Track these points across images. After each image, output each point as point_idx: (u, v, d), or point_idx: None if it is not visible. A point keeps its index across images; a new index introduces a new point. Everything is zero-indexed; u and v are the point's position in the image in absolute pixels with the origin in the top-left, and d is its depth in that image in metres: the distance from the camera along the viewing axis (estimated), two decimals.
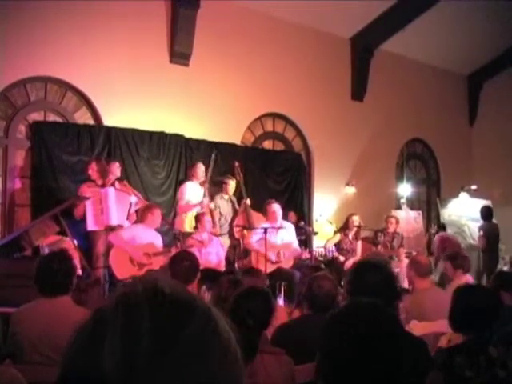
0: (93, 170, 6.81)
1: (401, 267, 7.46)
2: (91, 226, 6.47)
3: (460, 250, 8.62)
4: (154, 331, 0.64)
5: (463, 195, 10.87)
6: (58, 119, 7.63)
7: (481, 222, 9.08)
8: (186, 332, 0.65)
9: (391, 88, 10.86)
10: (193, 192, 7.40)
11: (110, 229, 6.43)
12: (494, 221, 9.13)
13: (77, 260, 5.47)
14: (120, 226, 6.52)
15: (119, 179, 7.03)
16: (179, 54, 8.30)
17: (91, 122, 7.82)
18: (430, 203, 11.88)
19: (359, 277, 2.58)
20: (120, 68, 7.82)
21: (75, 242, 5.93)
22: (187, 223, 7.24)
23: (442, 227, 9.26)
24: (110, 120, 7.76)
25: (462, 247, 8.97)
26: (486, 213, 9.03)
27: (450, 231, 9.97)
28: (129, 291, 0.68)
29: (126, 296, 0.68)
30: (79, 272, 5.37)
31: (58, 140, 7.26)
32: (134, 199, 6.88)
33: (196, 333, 0.66)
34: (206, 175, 7.54)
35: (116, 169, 6.99)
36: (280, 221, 7.20)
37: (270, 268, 6.76)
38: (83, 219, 6.55)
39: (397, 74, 10.95)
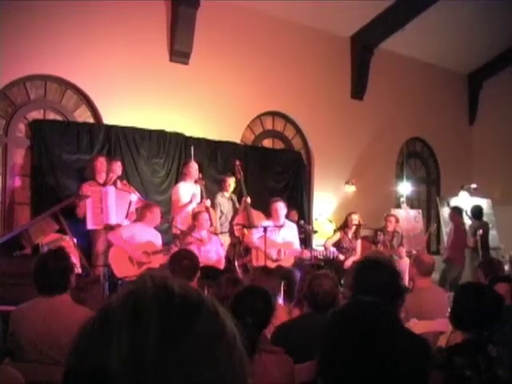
0: (102, 164, 6.81)
1: (401, 266, 7.45)
2: (90, 224, 6.48)
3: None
4: (162, 330, 0.64)
5: (463, 194, 10.86)
6: (58, 117, 7.62)
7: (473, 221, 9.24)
8: (194, 331, 0.66)
9: (391, 87, 10.84)
10: (186, 192, 7.36)
11: (109, 228, 6.43)
12: (485, 219, 9.35)
13: (76, 258, 5.49)
14: (119, 225, 6.52)
15: (119, 178, 7.03)
16: (179, 52, 8.28)
17: (91, 120, 7.81)
18: (429, 202, 11.87)
19: (364, 274, 2.56)
20: (120, 66, 7.80)
21: (75, 240, 5.93)
22: (186, 222, 7.21)
23: (457, 210, 9.20)
24: (109, 118, 7.75)
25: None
26: (479, 212, 9.16)
27: (449, 230, 9.97)
28: (138, 289, 0.68)
29: (134, 294, 0.68)
30: (78, 270, 5.38)
31: (58, 138, 7.25)
32: (134, 197, 6.88)
33: (203, 332, 0.66)
34: (203, 178, 7.50)
35: (117, 167, 7.00)
36: (283, 219, 7.20)
37: (270, 266, 6.76)
38: (85, 217, 6.55)
39: (397, 73, 10.94)
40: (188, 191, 7.36)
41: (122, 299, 0.68)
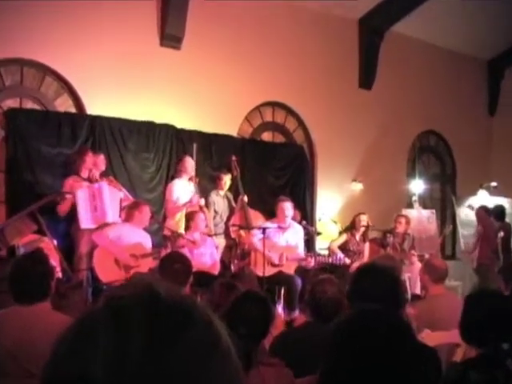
0: (90, 159, 6.81)
1: (412, 271, 7.48)
2: (86, 223, 6.49)
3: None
4: (148, 339, 0.64)
5: (482, 193, 10.87)
6: (36, 107, 7.60)
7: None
8: (183, 339, 0.66)
9: (403, 74, 10.84)
10: (182, 190, 7.39)
11: (106, 226, 6.46)
12: (507, 220, 9.35)
13: (56, 261, 5.49)
14: (115, 224, 6.56)
15: (103, 174, 7.03)
16: (170, 36, 8.27)
17: (73, 110, 7.79)
18: (444, 201, 11.87)
19: (358, 282, 2.59)
20: (105, 51, 7.78)
21: (55, 241, 5.93)
22: (180, 224, 7.22)
23: (486, 209, 9.26)
24: (93, 108, 7.73)
25: None
26: (501, 213, 9.17)
27: (466, 232, 9.99)
28: (121, 294, 0.69)
29: (117, 300, 0.68)
30: (59, 275, 5.38)
31: (36, 130, 7.22)
32: (121, 195, 6.90)
33: (194, 340, 0.67)
34: (197, 176, 7.52)
35: (101, 162, 7.00)
36: (289, 221, 7.22)
37: (270, 271, 6.77)
38: (66, 217, 6.56)
39: (409, 59, 10.93)
40: (184, 189, 7.38)
41: (103, 306, 0.68)
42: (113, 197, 6.72)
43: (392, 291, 2.55)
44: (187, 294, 0.73)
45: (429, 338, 3.45)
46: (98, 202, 6.54)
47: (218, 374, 0.67)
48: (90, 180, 6.78)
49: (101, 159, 7.04)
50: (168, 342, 0.65)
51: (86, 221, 6.49)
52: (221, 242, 7.59)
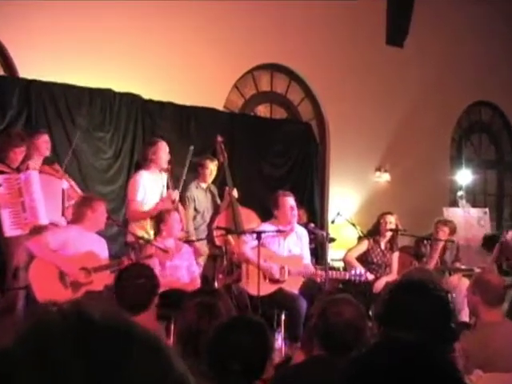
0: (22, 149, 6.69)
1: (456, 291, 7.47)
2: (9, 230, 6.48)
3: None
4: (80, 370, 0.68)
5: None
6: None
7: None
8: (125, 367, 0.70)
9: (445, 27, 10.86)
10: (151, 185, 7.30)
11: (38, 231, 6.43)
12: None
13: None
14: (53, 226, 6.55)
15: (46, 161, 7.02)
16: None
17: (0, 72, 7.82)
18: (501, 197, 11.92)
19: (400, 301, 2.57)
20: None
21: None
22: (152, 226, 7.19)
23: None
24: (29, 70, 7.74)
25: None
26: None
27: None
28: (42, 320, 0.72)
29: (39, 327, 0.71)
30: None
31: None
32: (65, 184, 6.88)
33: (138, 367, 0.71)
34: (170, 162, 7.43)
35: (43, 144, 6.96)
36: (294, 223, 7.23)
37: (268, 289, 6.78)
38: None
39: (453, 8, 10.95)
40: (154, 185, 7.30)
41: (22, 336, 0.71)
42: (50, 188, 6.69)
43: (441, 317, 2.53)
44: (122, 314, 0.77)
45: (481, 381, 3.43)
46: (27, 197, 6.50)
47: None
48: (19, 169, 6.70)
49: (43, 139, 7.00)
50: (104, 377, 0.68)
51: (9, 226, 6.46)
52: (203, 250, 7.57)
